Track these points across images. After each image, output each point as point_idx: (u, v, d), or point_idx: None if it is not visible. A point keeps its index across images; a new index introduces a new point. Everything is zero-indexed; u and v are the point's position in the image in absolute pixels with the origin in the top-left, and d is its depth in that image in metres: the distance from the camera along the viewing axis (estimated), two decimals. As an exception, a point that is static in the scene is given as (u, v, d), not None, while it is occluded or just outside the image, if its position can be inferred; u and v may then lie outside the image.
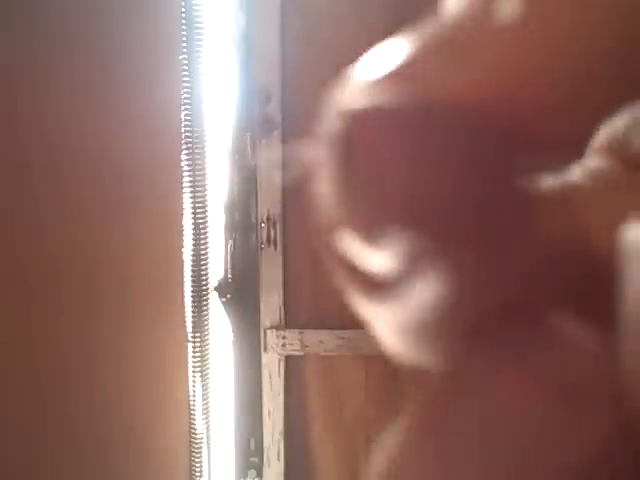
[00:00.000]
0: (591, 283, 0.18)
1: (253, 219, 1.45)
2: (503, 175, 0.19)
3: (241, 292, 1.47)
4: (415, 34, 0.19)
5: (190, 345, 1.36)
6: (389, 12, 1.37)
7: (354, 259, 0.20)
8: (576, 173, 0.19)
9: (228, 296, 1.47)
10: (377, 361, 1.41)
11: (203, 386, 1.38)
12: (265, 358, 1.47)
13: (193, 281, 1.34)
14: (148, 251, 1.26)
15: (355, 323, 0.24)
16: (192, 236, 1.32)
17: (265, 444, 1.50)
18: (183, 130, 1.27)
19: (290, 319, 1.46)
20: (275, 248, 1.43)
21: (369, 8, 1.38)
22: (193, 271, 1.34)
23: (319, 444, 1.50)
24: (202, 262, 1.34)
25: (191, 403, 1.38)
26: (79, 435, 1.21)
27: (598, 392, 0.14)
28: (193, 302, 1.35)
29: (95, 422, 1.22)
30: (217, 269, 1.46)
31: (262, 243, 1.43)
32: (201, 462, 1.40)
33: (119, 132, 1.19)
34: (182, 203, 1.30)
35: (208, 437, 1.41)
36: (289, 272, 1.44)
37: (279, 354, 1.46)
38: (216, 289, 1.46)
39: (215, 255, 1.43)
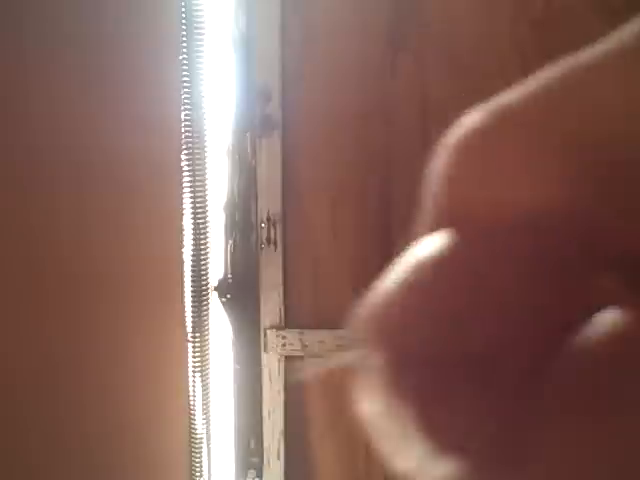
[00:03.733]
0: None
1: (253, 219, 1.45)
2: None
3: (241, 292, 1.47)
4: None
5: (190, 345, 1.35)
6: (389, 12, 1.37)
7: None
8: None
9: (228, 296, 1.47)
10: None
11: (203, 386, 1.38)
12: (265, 358, 1.47)
13: (193, 281, 1.34)
14: (148, 251, 1.26)
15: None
16: (192, 236, 1.32)
17: (265, 444, 1.50)
18: (183, 130, 1.27)
19: (290, 319, 1.46)
20: (275, 248, 1.43)
21: (369, 8, 1.38)
22: (193, 271, 1.34)
23: (319, 444, 1.50)
24: (202, 262, 1.34)
25: (191, 403, 1.38)
26: (78, 435, 1.20)
27: None
28: (193, 302, 1.35)
29: (95, 422, 1.22)
30: (217, 269, 1.46)
31: (262, 243, 1.43)
32: (201, 462, 1.40)
33: (119, 132, 1.19)
34: (182, 203, 1.30)
35: (208, 437, 1.41)
36: (289, 272, 1.44)
37: (279, 354, 1.46)
38: (216, 289, 1.46)
39: (215, 255, 1.43)
